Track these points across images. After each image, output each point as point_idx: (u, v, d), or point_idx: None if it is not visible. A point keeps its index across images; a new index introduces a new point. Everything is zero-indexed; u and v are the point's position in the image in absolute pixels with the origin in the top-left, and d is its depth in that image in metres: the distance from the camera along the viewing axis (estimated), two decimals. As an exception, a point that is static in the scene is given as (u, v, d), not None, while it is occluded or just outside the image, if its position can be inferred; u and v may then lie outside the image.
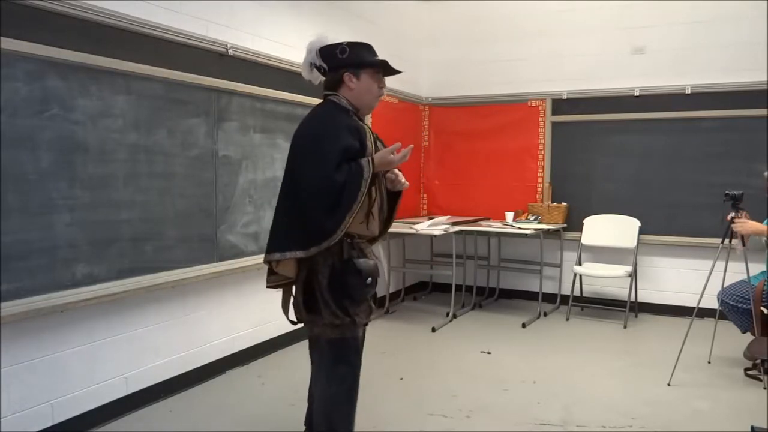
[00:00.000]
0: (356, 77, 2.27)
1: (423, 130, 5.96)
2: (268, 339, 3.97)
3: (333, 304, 2.20)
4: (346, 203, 2.12)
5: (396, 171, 2.38)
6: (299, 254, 2.16)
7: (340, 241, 2.18)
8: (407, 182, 2.41)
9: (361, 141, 2.22)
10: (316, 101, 2.39)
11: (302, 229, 2.16)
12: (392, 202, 2.47)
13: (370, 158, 2.18)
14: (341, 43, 2.28)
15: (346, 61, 2.26)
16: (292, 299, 2.33)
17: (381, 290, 5.28)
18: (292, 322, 2.34)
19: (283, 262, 2.21)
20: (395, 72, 2.35)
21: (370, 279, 2.21)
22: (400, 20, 5.59)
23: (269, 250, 2.22)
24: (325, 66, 2.30)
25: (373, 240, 2.45)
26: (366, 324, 2.35)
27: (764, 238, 3.46)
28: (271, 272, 2.29)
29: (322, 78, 2.35)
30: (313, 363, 2.38)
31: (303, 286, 2.25)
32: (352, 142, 2.18)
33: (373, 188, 2.23)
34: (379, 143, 2.37)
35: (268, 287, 2.35)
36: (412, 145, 2.27)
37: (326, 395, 2.30)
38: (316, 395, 2.35)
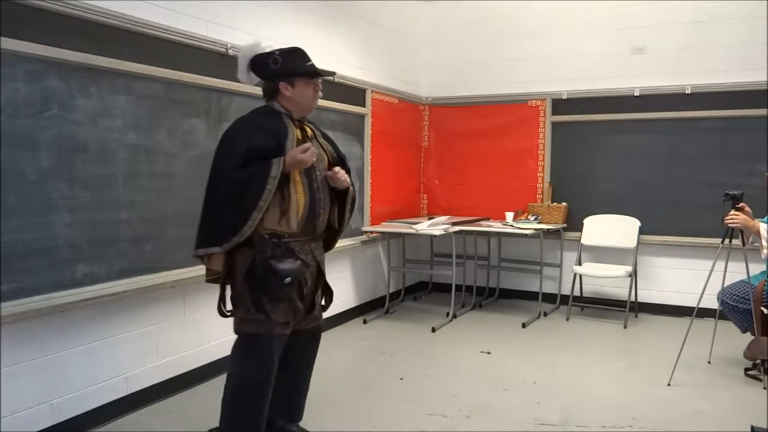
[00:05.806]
0: (291, 86, 2.36)
1: (423, 130, 5.96)
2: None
3: (247, 298, 2.27)
4: (252, 200, 2.19)
5: (336, 169, 2.42)
6: (216, 250, 2.27)
7: (263, 240, 2.26)
8: (346, 179, 2.44)
9: (279, 142, 2.29)
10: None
11: (213, 225, 2.27)
12: (342, 201, 2.52)
13: (282, 158, 2.25)
14: (273, 53, 2.35)
15: (281, 71, 2.34)
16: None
17: (381, 290, 5.28)
18: (223, 315, 2.39)
19: (213, 257, 2.32)
20: (329, 74, 2.46)
21: (289, 279, 2.26)
22: (400, 20, 5.59)
23: (195, 246, 2.34)
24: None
25: (325, 238, 2.51)
26: (286, 323, 2.35)
27: (759, 239, 3.43)
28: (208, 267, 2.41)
29: (258, 79, 2.43)
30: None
31: (229, 280, 2.34)
32: (262, 142, 2.26)
33: (292, 186, 2.29)
34: (322, 142, 2.48)
35: (206, 281, 2.45)
36: (311, 146, 2.29)
37: (229, 390, 2.38)
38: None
